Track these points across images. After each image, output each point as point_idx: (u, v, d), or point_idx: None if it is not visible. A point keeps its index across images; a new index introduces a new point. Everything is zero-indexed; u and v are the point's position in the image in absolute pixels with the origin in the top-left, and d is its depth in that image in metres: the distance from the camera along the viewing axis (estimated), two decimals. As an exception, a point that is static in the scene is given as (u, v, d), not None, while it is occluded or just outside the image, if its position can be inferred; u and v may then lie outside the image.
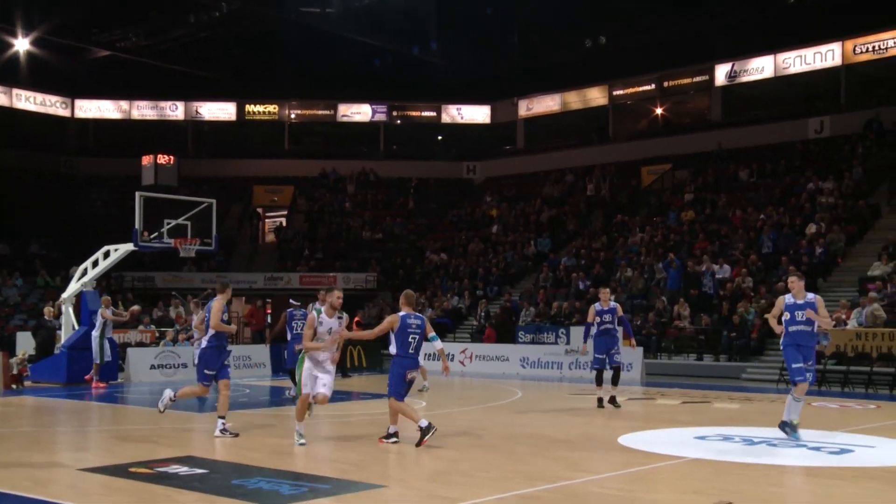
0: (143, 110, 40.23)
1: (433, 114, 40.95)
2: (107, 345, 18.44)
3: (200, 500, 7.32)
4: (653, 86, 36.19)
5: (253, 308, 27.97)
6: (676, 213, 29.21)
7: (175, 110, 40.25)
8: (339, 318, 10.22)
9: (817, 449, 9.91)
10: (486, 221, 35.38)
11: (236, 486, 7.83)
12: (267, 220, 40.01)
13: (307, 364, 10.13)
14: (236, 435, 10.65)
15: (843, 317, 19.53)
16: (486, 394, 17.50)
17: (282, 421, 12.57)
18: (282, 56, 37.59)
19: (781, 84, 33.03)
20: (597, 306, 14.49)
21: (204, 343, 11.12)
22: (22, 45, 34.17)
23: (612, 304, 14.62)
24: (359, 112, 40.65)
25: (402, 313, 10.10)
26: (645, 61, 34.93)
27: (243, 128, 41.83)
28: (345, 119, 40.83)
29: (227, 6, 33.04)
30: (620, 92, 37.06)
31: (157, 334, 22.88)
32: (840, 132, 30.13)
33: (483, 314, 26.88)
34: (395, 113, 40.87)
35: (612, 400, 14.24)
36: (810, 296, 10.44)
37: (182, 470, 8.51)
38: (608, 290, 15.27)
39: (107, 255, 19.69)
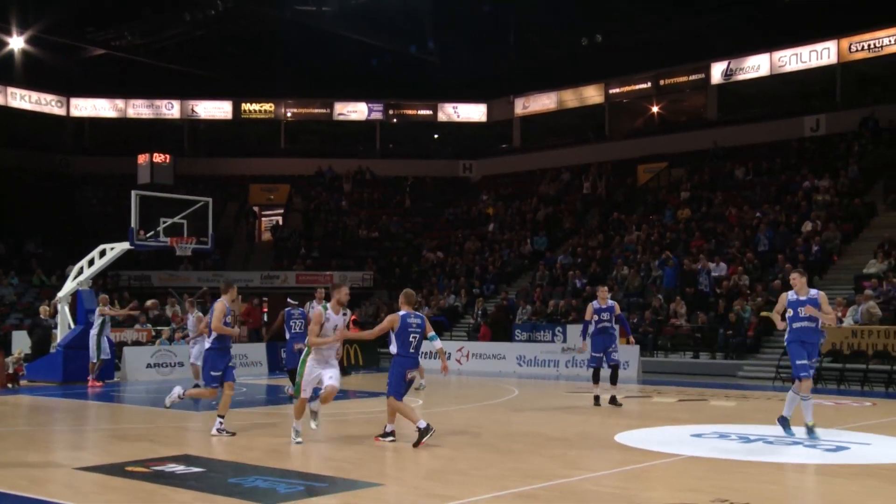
0: (138, 109, 40.16)
1: (429, 112, 40.94)
2: (106, 343, 18.43)
3: (197, 498, 7.31)
4: (649, 84, 36.22)
5: (249, 306, 27.93)
6: (672, 212, 29.24)
7: (171, 109, 40.19)
8: (344, 314, 10.23)
9: (813, 446, 9.92)
10: (482, 220, 35.39)
11: (233, 484, 7.82)
12: (263, 219, 39.98)
13: (310, 363, 10.05)
14: (233, 434, 10.64)
15: (840, 314, 19.56)
16: (482, 392, 17.50)
17: (278, 419, 12.56)
18: (278, 54, 37.56)
19: (777, 82, 33.07)
20: (595, 304, 14.50)
21: (207, 345, 11.00)
22: (17, 43, 34.05)
23: (611, 302, 14.64)
24: (355, 110, 40.62)
25: (402, 312, 10.07)
26: (641, 60, 34.95)
27: (239, 126, 41.81)
28: (341, 117, 40.81)
29: (222, 4, 32.97)
30: (617, 90, 37.07)
31: (154, 333, 22.85)
32: (836, 130, 30.16)
33: (480, 312, 26.90)
34: (391, 111, 40.85)
35: (613, 399, 14.16)
36: (813, 292, 10.41)
37: (179, 469, 8.50)
38: (606, 288, 15.29)
39: (103, 253, 19.66)
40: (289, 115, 40.90)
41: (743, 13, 32.47)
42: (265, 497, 7.32)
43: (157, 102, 40.02)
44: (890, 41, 30.01)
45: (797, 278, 10.43)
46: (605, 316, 14.34)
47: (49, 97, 38.94)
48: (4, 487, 7.60)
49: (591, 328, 14.38)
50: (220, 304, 10.93)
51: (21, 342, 21.42)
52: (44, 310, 21.11)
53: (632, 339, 16.18)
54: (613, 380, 14.36)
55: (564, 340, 22.68)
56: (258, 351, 22.37)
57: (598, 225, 31.36)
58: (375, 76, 38.95)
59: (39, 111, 38.84)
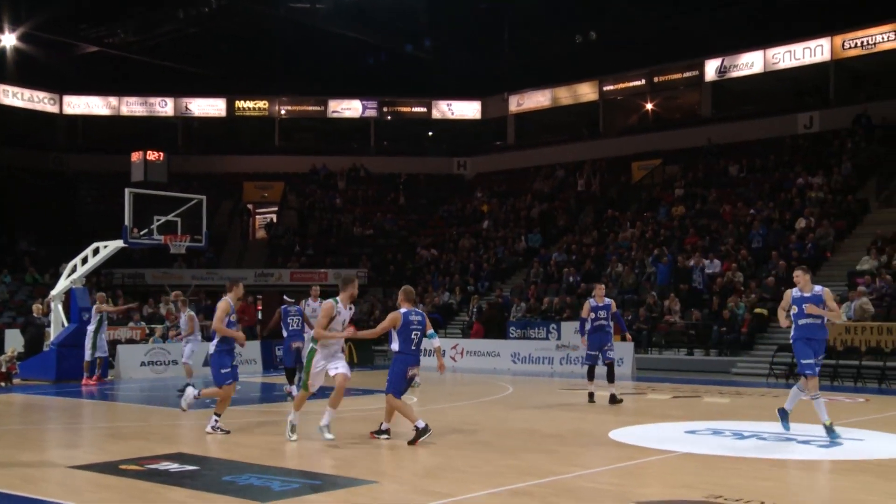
0: (132, 106, 40.02)
1: (423, 109, 40.89)
2: (103, 341, 18.38)
3: (191, 496, 7.29)
4: (643, 81, 36.24)
5: (244, 304, 27.87)
6: (667, 209, 29.27)
7: (164, 106, 40.08)
8: (351, 309, 10.24)
9: (807, 442, 9.96)
10: (476, 217, 35.39)
11: (227, 482, 7.81)
12: (257, 217, 39.93)
13: (318, 358, 9.99)
14: (227, 432, 10.62)
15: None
16: (477, 389, 17.51)
17: (273, 417, 12.55)
18: (272, 52, 37.51)
19: (771, 79, 33.12)
20: (591, 302, 14.50)
21: (212, 349, 10.74)
22: (9, 40, 33.95)
23: (607, 300, 14.62)
24: (349, 108, 40.55)
25: (403, 310, 10.05)
26: (635, 57, 34.99)
27: (233, 124, 41.71)
28: (335, 115, 40.74)
29: (216, 2, 32.92)
30: (611, 87, 37.08)
31: (147, 331, 22.80)
32: (829, 127, 30.25)
33: (475, 310, 26.89)
34: (385, 109, 40.78)
35: (613, 398, 14.05)
36: (817, 288, 10.35)
37: (173, 467, 8.48)
38: (603, 286, 15.30)
39: (96, 251, 19.60)
40: (283, 112, 40.83)
41: (737, 10, 32.55)
42: (259, 495, 7.31)
43: (151, 100, 39.89)
44: (883, 38, 30.09)
45: (801, 275, 10.38)
46: (602, 314, 14.34)
47: (42, 94, 38.79)
48: (-2, 486, 7.58)
49: (588, 325, 14.40)
50: (224, 303, 10.61)
51: (14, 340, 21.32)
52: (37, 308, 21.04)
53: (629, 335, 16.15)
54: (610, 377, 14.33)
55: (559, 337, 22.69)
56: (253, 349, 22.31)
57: (593, 222, 31.39)
58: (370, 73, 38.91)
59: (32, 108, 38.64)
